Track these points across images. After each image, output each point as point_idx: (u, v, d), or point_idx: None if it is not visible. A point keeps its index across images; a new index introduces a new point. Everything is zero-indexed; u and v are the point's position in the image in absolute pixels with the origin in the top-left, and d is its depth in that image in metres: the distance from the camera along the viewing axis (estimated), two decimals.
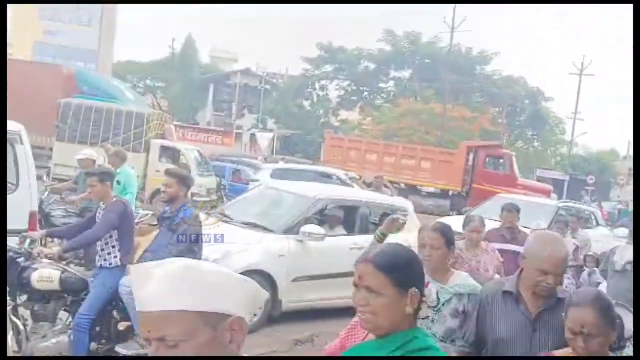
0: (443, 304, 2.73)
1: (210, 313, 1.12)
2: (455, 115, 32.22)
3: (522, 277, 2.57)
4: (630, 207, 23.77)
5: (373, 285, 1.64)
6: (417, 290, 1.67)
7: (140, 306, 1.13)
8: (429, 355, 1.63)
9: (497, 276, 4.76)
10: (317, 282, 6.49)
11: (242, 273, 5.49)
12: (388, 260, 1.66)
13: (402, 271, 1.66)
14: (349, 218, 7.53)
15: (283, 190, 7.77)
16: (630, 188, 38.53)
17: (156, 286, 1.11)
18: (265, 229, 6.72)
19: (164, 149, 14.81)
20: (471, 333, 2.65)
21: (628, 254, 6.14)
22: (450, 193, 20.01)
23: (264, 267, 6.25)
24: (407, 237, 3.38)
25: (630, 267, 5.97)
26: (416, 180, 20.83)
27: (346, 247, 7.02)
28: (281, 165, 17.68)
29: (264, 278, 6.07)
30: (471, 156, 20.78)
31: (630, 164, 44.80)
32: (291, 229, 6.66)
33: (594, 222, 12.72)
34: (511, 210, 6.50)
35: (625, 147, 57.68)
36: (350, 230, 7.38)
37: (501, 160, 20.94)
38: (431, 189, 19.90)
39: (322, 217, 7.52)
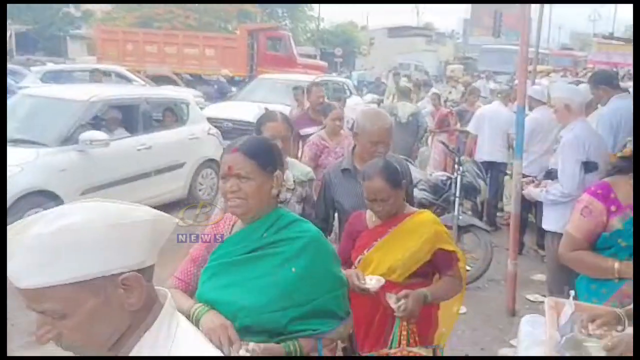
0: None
1: (93, 279, 1.00)
2: None
3: (356, 152, 2.85)
4: (370, 77, 27.31)
5: (243, 171, 1.76)
6: (280, 172, 1.83)
7: (14, 281, 0.99)
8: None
9: None
10: (109, 190, 6.11)
11: (21, 197, 4.86)
12: (254, 148, 1.81)
13: (267, 156, 1.81)
14: (129, 118, 7.07)
15: (48, 96, 6.85)
16: (370, 57, 42.74)
17: (28, 258, 0.97)
18: (35, 143, 5.98)
19: None
20: (320, 210, 2.90)
21: (407, 109, 7.54)
22: (237, 79, 19.79)
23: (45, 186, 5.61)
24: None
25: (412, 119, 7.42)
26: (202, 70, 20.09)
27: (133, 149, 6.70)
28: (52, 67, 15.49)
29: (49, 197, 5.50)
30: (252, 40, 20.56)
31: (369, 34, 49.40)
32: (68, 140, 6.05)
33: (348, 93, 13.83)
34: (318, 84, 6.42)
35: (364, 19, 62.99)
36: (133, 130, 6.97)
37: (280, 42, 21.15)
38: (219, 77, 19.43)
39: (99, 121, 6.94)
